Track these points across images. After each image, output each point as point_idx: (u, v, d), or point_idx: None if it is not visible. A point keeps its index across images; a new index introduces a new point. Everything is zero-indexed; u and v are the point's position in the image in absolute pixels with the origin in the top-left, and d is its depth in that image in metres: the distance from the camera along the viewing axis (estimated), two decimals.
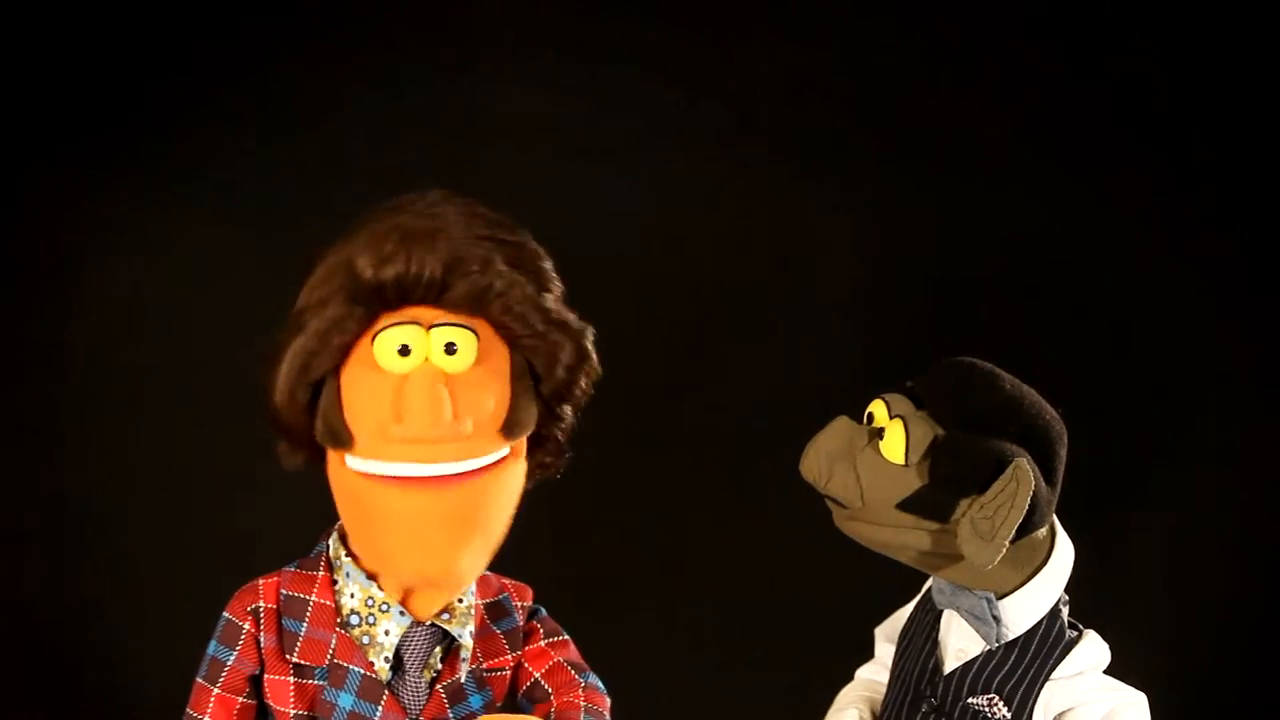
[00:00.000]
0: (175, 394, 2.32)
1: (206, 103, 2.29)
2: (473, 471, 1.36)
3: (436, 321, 1.34)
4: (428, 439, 1.32)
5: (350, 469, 1.37)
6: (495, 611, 1.52)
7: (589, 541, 2.31)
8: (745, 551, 2.36)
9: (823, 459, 1.45)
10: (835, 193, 2.37)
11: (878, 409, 1.46)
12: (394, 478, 1.34)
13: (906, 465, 1.41)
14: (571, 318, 1.42)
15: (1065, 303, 2.35)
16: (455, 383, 1.33)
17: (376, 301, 1.34)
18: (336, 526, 1.49)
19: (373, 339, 1.34)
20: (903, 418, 1.42)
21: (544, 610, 1.58)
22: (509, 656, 1.52)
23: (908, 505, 1.41)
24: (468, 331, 1.34)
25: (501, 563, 1.52)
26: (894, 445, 1.42)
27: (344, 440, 1.36)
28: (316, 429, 1.38)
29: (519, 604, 1.55)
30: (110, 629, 2.33)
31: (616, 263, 2.27)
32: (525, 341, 1.39)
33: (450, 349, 1.34)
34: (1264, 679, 2.34)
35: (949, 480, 1.39)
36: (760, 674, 2.36)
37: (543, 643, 1.55)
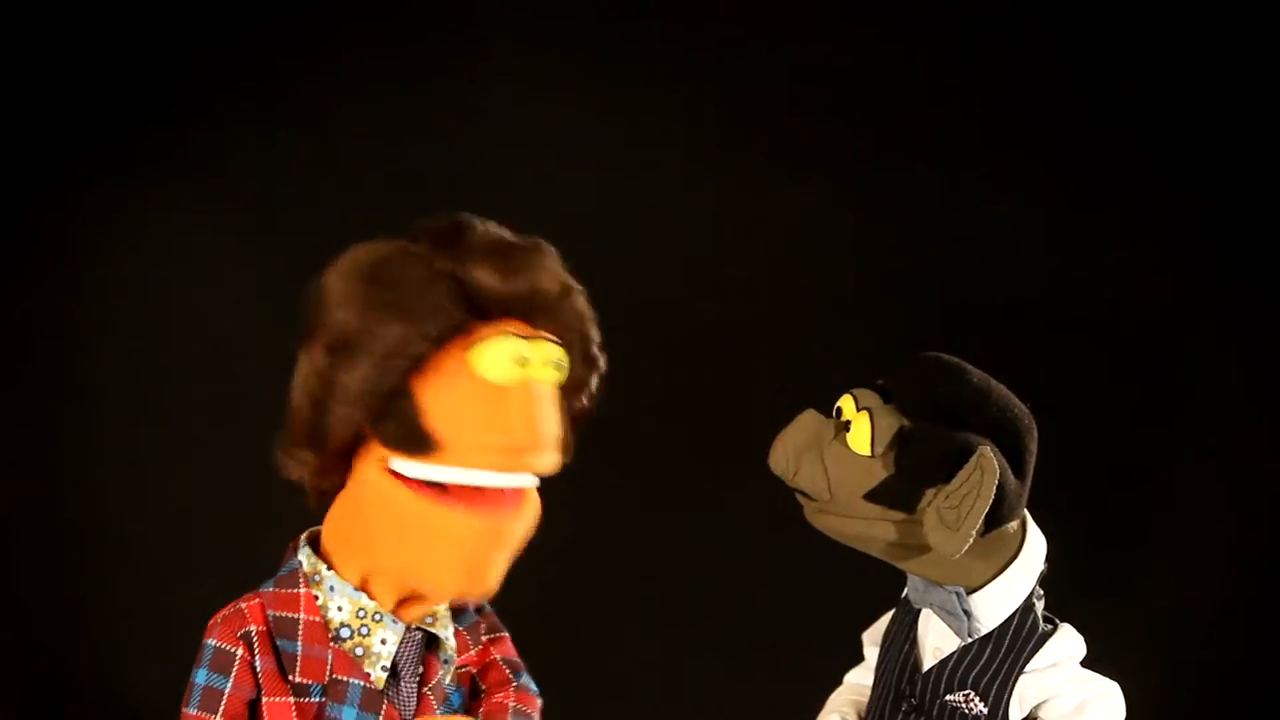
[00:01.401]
0: (175, 394, 2.32)
1: (206, 103, 2.29)
2: (522, 491, 1.39)
3: (540, 336, 1.37)
4: (527, 449, 1.34)
5: (399, 481, 1.37)
6: (455, 610, 1.53)
7: (578, 544, 2.30)
8: (736, 555, 2.36)
9: (790, 452, 1.47)
10: (835, 193, 2.37)
11: (846, 403, 1.48)
12: (462, 489, 1.35)
13: (872, 456, 1.43)
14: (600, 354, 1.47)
15: (1065, 302, 2.35)
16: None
17: (486, 312, 1.36)
18: (304, 541, 1.48)
19: (471, 347, 1.35)
20: (869, 410, 1.44)
21: (489, 607, 1.59)
22: (472, 653, 1.53)
23: (874, 496, 1.43)
24: (564, 351, 1.39)
25: None
26: (860, 437, 1.43)
27: (429, 445, 1.35)
28: (385, 435, 1.37)
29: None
30: (110, 629, 2.33)
31: (615, 262, 2.27)
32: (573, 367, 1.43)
33: (558, 365, 1.38)
34: (1260, 676, 2.34)
35: (914, 470, 1.41)
36: (750, 679, 2.36)
37: (484, 637, 1.55)
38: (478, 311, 1.36)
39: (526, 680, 1.57)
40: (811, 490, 1.47)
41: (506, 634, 1.58)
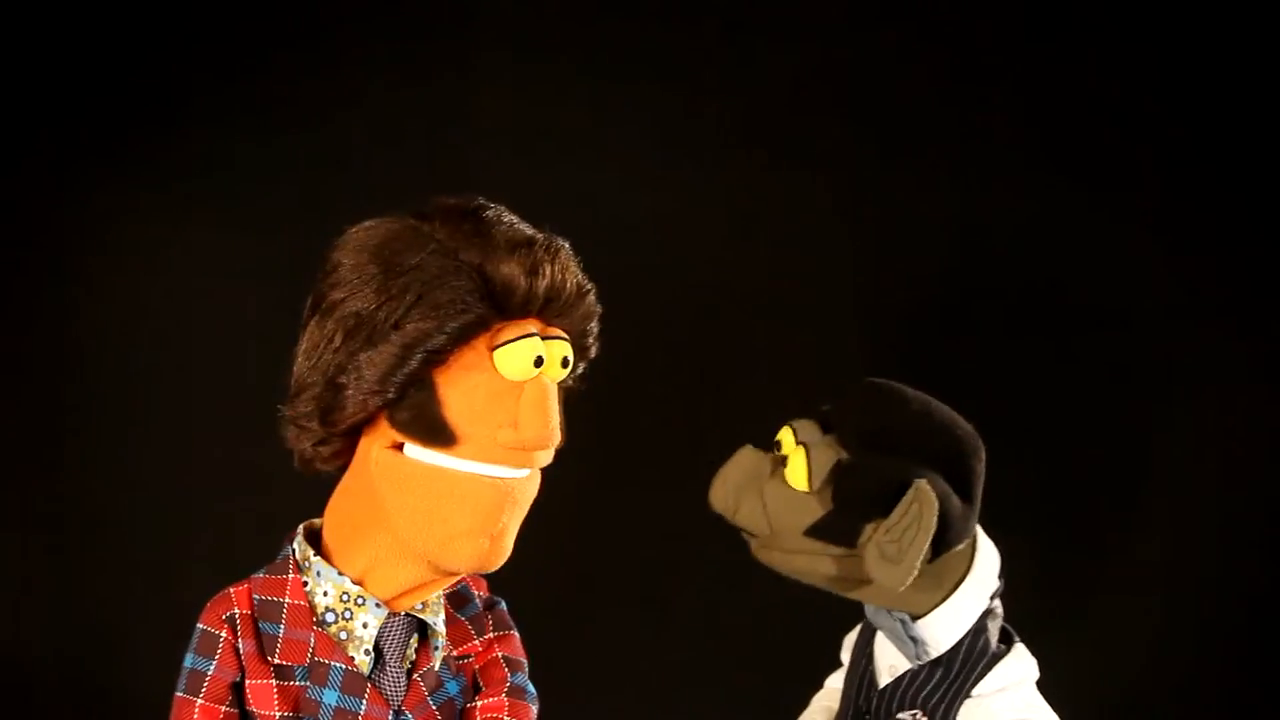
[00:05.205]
0: (175, 394, 2.33)
1: (206, 103, 2.30)
2: None
3: (550, 334, 1.40)
4: (537, 445, 1.38)
5: (415, 460, 1.39)
6: (457, 600, 1.54)
7: (571, 546, 2.30)
8: (722, 560, 2.35)
9: (729, 490, 1.47)
10: (835, 193, 2.37)
11: (785, 436, 1.47)
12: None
13: (810, 491, 1.42)
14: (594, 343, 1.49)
15: (1064, 299, 2.35)
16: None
17: (508, 309, 1.37)
18: (300, 530, 1.49)
19: (494, 345, 1.37)
20: (805, 445, 1.43)
21: (503, 603, 1.59)
22: (475, 643, 1.53)
23: (814, 531, 1.42)
24: (571, 349, 1.42)
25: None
26: (796, 472, 1.43)
27: (446, 439, 1.37)
28: (399, 421, 1.38)
29: (476, 593, 1.57)
30: (110, 630, 2.33)
31: (614, 262, 2.27)
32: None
33: (565, 363, 1.40)
34: (1254, 677, 2.33)
35: (852, 504, 1.40)
36: (732, 683, 2.35)
37: (490, 634, 1.56)
38: (498, 307, 1.37)
39: (521, 681, 1.56)
40: (752, 527, 1.47)
41: (515, 632, 1.58)
